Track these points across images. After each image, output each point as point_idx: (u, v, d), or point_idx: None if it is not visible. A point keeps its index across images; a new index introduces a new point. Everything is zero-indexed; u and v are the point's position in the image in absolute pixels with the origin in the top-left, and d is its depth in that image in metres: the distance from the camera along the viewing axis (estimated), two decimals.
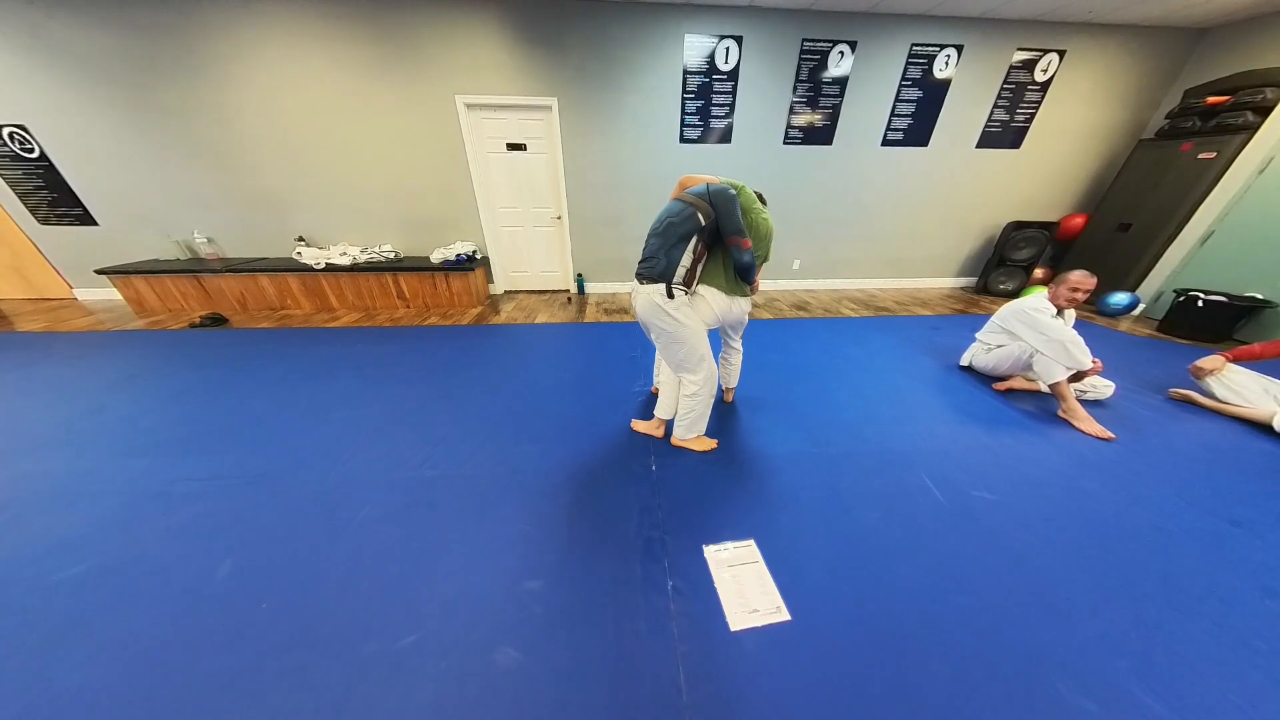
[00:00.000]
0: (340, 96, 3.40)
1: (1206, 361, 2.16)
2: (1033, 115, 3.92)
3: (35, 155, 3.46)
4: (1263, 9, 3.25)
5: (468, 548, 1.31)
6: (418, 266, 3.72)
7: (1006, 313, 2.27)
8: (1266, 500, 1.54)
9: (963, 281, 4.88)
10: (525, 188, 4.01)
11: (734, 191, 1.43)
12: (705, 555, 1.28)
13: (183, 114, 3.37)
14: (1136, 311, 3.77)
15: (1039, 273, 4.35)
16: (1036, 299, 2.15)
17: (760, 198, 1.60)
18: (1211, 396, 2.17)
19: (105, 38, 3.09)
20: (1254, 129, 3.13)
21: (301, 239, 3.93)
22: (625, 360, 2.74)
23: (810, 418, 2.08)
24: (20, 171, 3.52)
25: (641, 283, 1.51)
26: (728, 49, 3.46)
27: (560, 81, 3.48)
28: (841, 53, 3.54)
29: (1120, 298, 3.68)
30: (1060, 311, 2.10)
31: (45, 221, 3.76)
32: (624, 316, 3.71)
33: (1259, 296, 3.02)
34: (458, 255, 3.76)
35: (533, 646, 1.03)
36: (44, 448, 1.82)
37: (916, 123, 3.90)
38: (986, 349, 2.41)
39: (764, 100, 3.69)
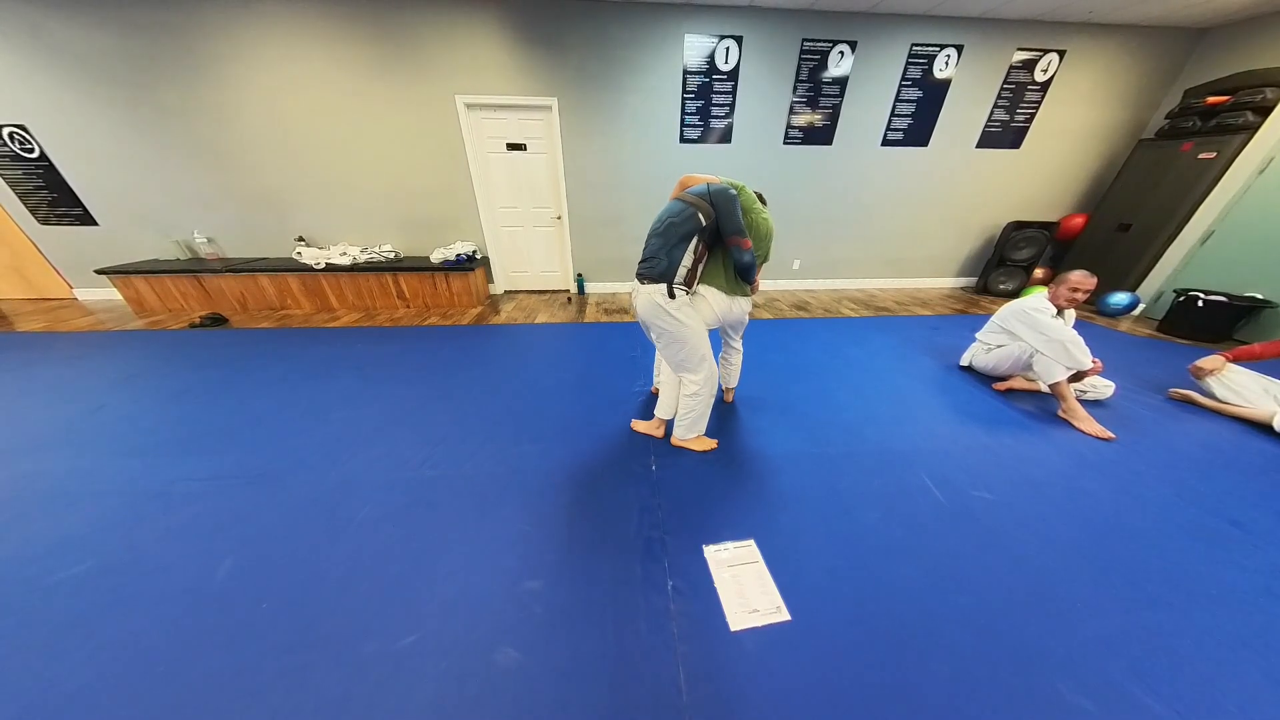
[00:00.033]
0: (340, 96, 3.40)
1: (1206, 361, 2.16)
2: (1033, 115, 3.92)
3: (35, 155, 3.46)
4: (1263, 9, 3.25)
5: (468, 548, 1.31)
6: (418, 266, 3.72)
7: (1006, 313, 2.27)
8: (1266, 500, 1.54)
9: (963, 281, 4.88)
10: (525, 188, 4.01)
11: (734, 191, 1.43)
12: (705, 555, 1.28)
13: (183, 114, 3.37)
14: (1136, 311, 3.77)
15: (1039, 273, 4.35)
16: (1036, 299, 2.15)
17: (760, 198, 1.60)
18: (1211, 396, 2.17)
19: (105, 38, 3.09)
20: (1254, 129, 3.13)
21: (301, 239, 3.93)
22: (625, 360, 2.74)
23: (810, 418, 2.08)
24: (20, 171, 3.52)
25: (642, 283, 1.51)
26: (728, 49, 3.46)
27: (560, 81, 3.48)
28: (841, 53, 3.54)
29: (1120, 298, 3.68)
30: (1060, 311, 2.10)
31: (45, 221, 3.76)
32: (624, 316, 3.71)
33: (1259, 296, 3.02)
34: (458, 255, 3.76)
35: (533, 646, 1.03)
36: (44, 448, 1.82)
37: (916, 123, 3.90)
38: (986, 349, 2.41)
39: (764, 100, 3.69)
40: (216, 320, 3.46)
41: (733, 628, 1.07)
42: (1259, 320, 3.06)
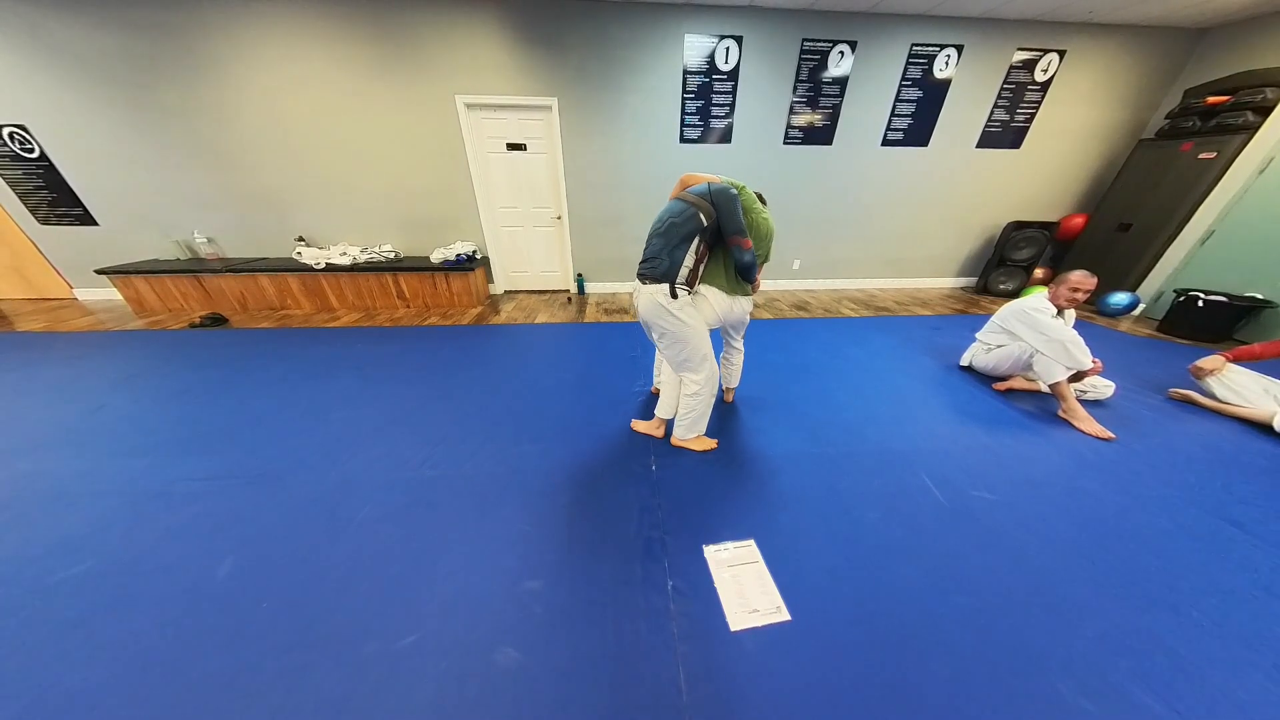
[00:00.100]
0: (340, 96, 3.40)
1: (1206, 361, 2.16)
2: (1033, 115, 3.92)
3: (35, 155, 3.46)
4: (1263, 9, 3.25)
5: (468, 548, 1.31)
6: (418, 266, 3.72)
7: (1006, 313, 2.27)
8: (1266, 500, 1.54)
9: (963, 281, 4.88)
10: (525, 188, 4.01)
11: (735, 191, 1.43)
12: (705, 555, 1.28)
13: (183, 114, 3.37)
14: (1136, 311, 3.77)
15: (1039, 273, 4.35)
16: (1037, 299, 2.15)
17: (760, 198, 1.60)
18: (1212, 396, 2.17)
19: (105, 38, 3.09)
20: (1254, 129, 3.13)
21: (301, 239, 3.93)
22: (625, 360, 2.74)
23: (810, 418, 2.08)
24: (20, 171, 3.52)
25: (644, 283, 1.51)
26: (728, 49, 3.46)
27: (560, 81, 3.48)
28: (841, 53, 3.54)
29: (1120, 298, 3.68)
30: (1060, 311, 2.10)
31: (45, 221, 3.76)
32: (624, 316, 3.71)
33: (1259, 296, 3.02)
34: (458, 255, 3.76)
35: (533, 646, 1.03)
36: (44, 448, 1.82)
37: (916, 123, 3.89)
38: (986, 349, 2.41)
39: (764, 100, 3.69)
40: (216, 320, 3.46)
41: (733, 628, 1.07)
42: (1259, 320, 3.06)
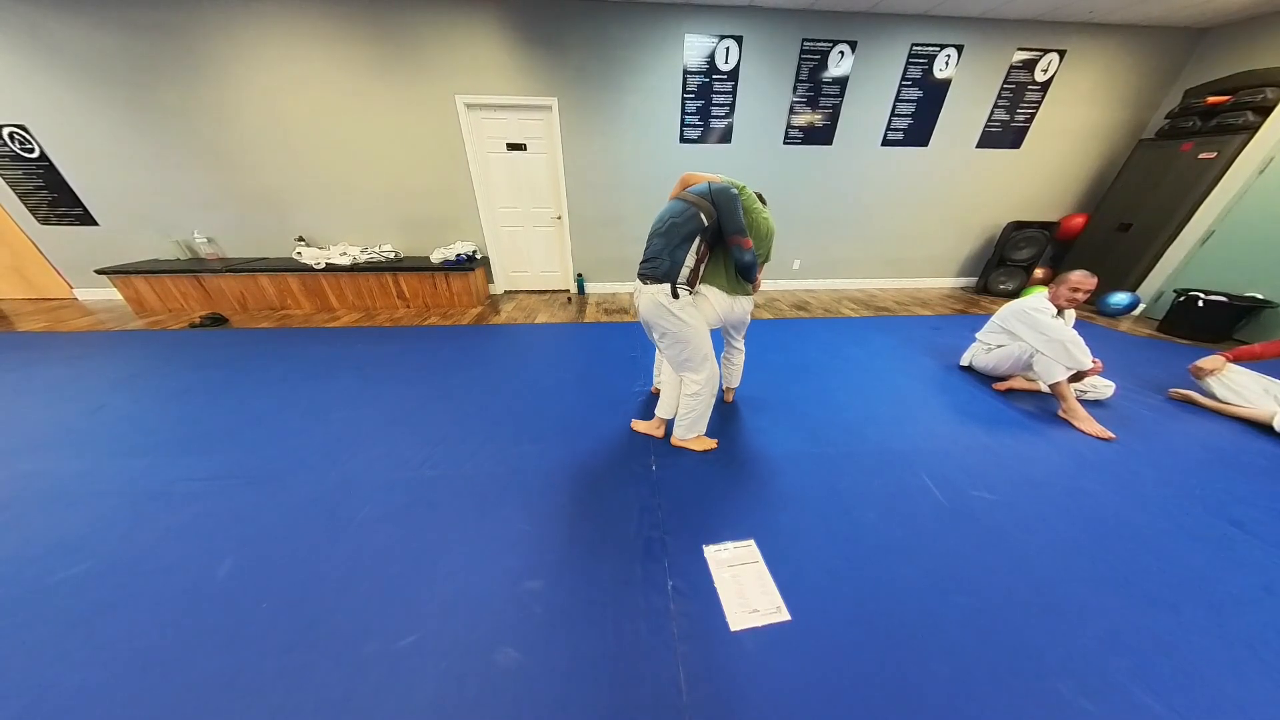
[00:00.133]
0: (340, 96, 3.40)
1: (1207, 361, 2.16)
2: (1033, 115, 3.92)
3: (35, 155, 3.46)
4: (1263, 9, 3.25)
5: (468, 548, 1.31)
6: (418, 266, 3.72)
7: (1007, 313, 2.27)
8: (1266, 500, 1.54)
9: (963, 281, 4.88)
10: (525, 188, 4.01)
11: (736, 191, 1.43)
12: (705, 555, 1.28)
13: (183, 114, 3.37)
14: (1137, 311, 3.77)
15: (1039, 273, 4.35)
16: (1037, 299, 2.15)
17: (760, 198, 1.60)
18: (1212, 396, 2.17)
19: (105, 38, 3.09)
20: (1254, 129, 3.13)
21: (301, 239, 3.93)
22: (625, 360, 2.74)
23: (810, 418, 2.08)
24: (20, 171, 3.52)
25: (645, 283, 1.51)
26: (728, 49, 3.46)
27: (560, 81, 3.48)
28: (841, 53, 3.54)
29: (1120, 298, 3.68)
30: (1060, 311, 2.10)
31: (45, 221, 3.76)
32: (624, 316, 3.71)
33: (1259, 296, 3.02)
34: (458, 255, 3.76)
35: (533, 646, 1.03)
36: (44, 448, 1.82)
37: (916, 123, 3.89)
38: (987, 349, 2.41)
39: (764, 100, 3.69)
40: (216, 320, 3.46)
41: (733, 628, 1.07)
42: (1259, 320, 3.06)
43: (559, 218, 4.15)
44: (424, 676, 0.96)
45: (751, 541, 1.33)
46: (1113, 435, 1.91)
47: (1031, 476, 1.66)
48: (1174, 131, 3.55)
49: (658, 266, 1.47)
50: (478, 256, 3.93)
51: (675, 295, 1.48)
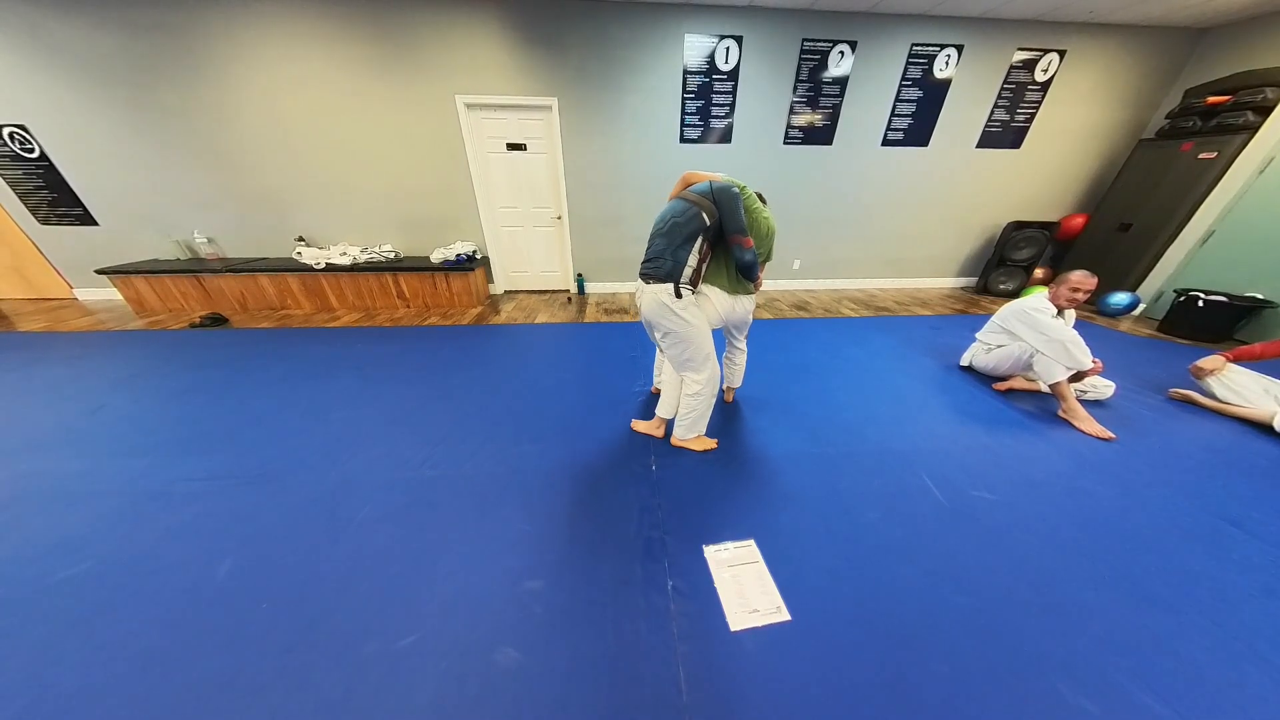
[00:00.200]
0: (340, 96, 3.40)
1: (1207, 361, 2.16)
2: (1033, 115, 3.92)
3: (35, 155, 3.46)
4: (1263, 9, 3.25)
5: (468, 548, 1.31)
6: (418, 266, 3.72)
7: (1007, 313, 2.27)
8: (1266, 500, 1.54)
9: (963, 281, 4.88)
10: (525, 188, 4.01)
11: (737, 190, 1.43)
12: (705, 555, 1.28)
13: (183, 114, 3.37)
14: (1137, 311, 3.77)
15: (1039, 273, 4.35)
16: (1037, 299, 2.15)
17: (760, 197, 1.60)
18: (1212, 396, 2.17)
19: (105, 38, 3.09)
20: (1254, 129, 3.13)
21: (301, 239, 3.93)
22: (625, 360, 2.74)
23: (810, 418, 2.08)
24: (20, 171, 3.52)
25: (648, 282, 1.51)
26: (728, 49, 3.46)
27: (560, 81, 3.48)
28: (841, 53, 3.54)
29: (1120, 298, 3.68)
30: (1060, 311, 2.10)
31: (45, 221, 3.76)
32: (624, 316, 3.71)
33: (1259, 296, 3.02)
34: (458, 255, 3.76)
35: (533, 646, 1.03)
36: (44, 448, 1.82)
37: (917, 123, 3.89)
38: (987, 349, 2.41)
39: (764, 100, 3.69)
40: (216, 320, 3.46)
41: (733, 628, 1.07)
42: (1259, 320, 3.06)
43: (559, 218, 4.15)
44: (424, 676, 0.96)
45: (751, 541, 1.33)
46: (1113, 435, 1.91)
47: (1031, 476, 1.66)
48: (1174, 131, 3.55)
49: (660, 266, 1.47)
50: (478, 256, 3.93)
51: (678, 295, 1.48)
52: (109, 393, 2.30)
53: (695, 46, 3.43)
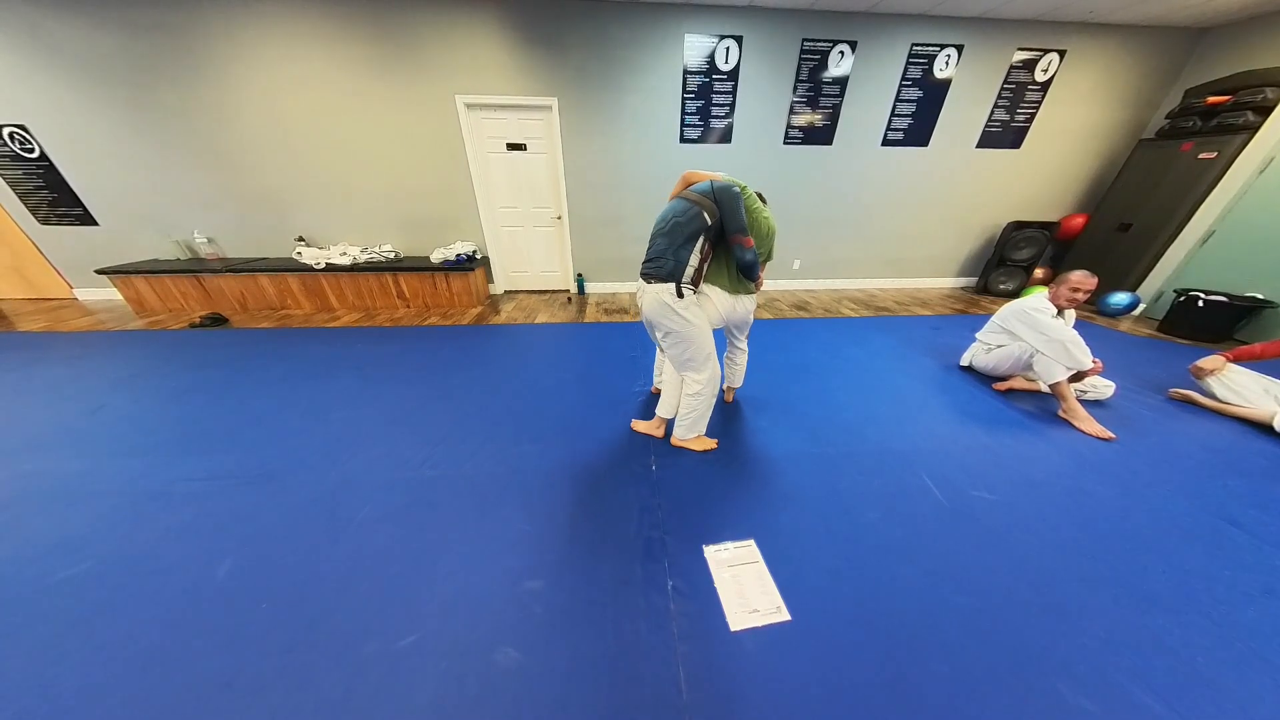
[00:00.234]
0: (340, 96, 3.40)
1: (1207, 361, 2.16)
2: (1033, 115, 3.92)
3: (35, 155, 3.46)
4: (1263, 9, 3.25)
5: (468, 548, 1.31)
6: (418, 266, 3.72)
7: (1007, 313, 2.27)
8: (1266, 500, 1.54)
9: (963, 281, 4.88)
10: (525, 188, 4.01)
11: (738, 189, 1.43)
12: (705, 555, 1.28)
13: (183, 114, 3.37)
14: (1137, 311, 3.77)
15: (1039, 273, 4.35)
16: (1037, 299, 2.15)
17: (760, 197, 1.60)
18: (1212, 396, 2.17)
19: (105, 38, 3.09)
20: (1254, 129, 3.13)
21: (301, 239, 3.93)
22: (625, 360, 2.74)
23: (810, 418, 2.08)
24: (20, 171, 3.52)
25: (649, 282, 1.51)
26: (728, 49, 3.46)
27: (560, 81, 3.48)
28: (841, 53, 3.54)
29: (1120, 298, 3.68)
30: (1061, 311, 2.10)
31: (45, 221, 3.76)
32: (624, 316, 3.71)
33: (1259, 296, 3.02)
34: (458, 255, 3.76)
35: (533, 646, 1.03)
36: (44, 448, 1.82)
37: (917, 123, 3.89)
38: (987, 349, 2.41)
39: (764, 100, 3.69)
40: (216, 320, 3.46)
41: (733, 628, 1.07)
42: (1259, 320, 3.06)
43: (559, 218, 4.15)
44: (424, 676, 0.96)
45: (751, 541, 1.33)
46: (1113, 435, 1.91)
47: (1031, 476, 1.66)
48: (1174, 131, 3.55)
49: (662, 266, 1.47)
50: (478, 256, 3.93)
51: (680, 295, 1.48)
52: (109, 393, 2.30)
53: (695, 46, 3.43)
